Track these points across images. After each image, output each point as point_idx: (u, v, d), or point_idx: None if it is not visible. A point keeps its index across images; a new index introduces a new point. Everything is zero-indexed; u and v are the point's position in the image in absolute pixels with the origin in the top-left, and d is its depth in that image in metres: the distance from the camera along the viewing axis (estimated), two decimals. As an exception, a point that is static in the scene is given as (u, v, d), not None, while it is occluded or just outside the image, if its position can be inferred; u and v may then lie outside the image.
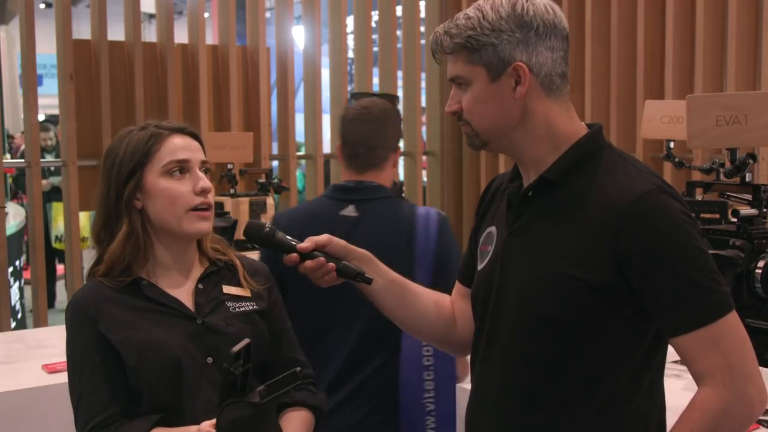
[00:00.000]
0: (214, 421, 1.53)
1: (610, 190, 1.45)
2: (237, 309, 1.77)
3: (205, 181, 1.73)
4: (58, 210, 7.17)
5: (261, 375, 1.75)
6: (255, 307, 1.80)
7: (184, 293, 1.76)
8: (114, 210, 1.73)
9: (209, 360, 1.70)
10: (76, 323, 1.71)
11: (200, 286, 1.77)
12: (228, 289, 1.79)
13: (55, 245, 7.48)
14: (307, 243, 1.65)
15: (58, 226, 7.16)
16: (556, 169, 1.51)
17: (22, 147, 9.77)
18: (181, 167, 1.72)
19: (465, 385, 2.56)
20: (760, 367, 1.46)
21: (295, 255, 1.65)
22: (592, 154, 1.51)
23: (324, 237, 1.66)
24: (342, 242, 1.67)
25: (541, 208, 1.52)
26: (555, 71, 1.50)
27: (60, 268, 7.65)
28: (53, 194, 7.31)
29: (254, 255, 3.25)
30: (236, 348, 1.49)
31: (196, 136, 1.78)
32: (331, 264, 1.64)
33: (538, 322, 1.49)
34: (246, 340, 1.52)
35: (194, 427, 1.58)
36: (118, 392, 1.67)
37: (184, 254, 1.78)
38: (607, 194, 1.45)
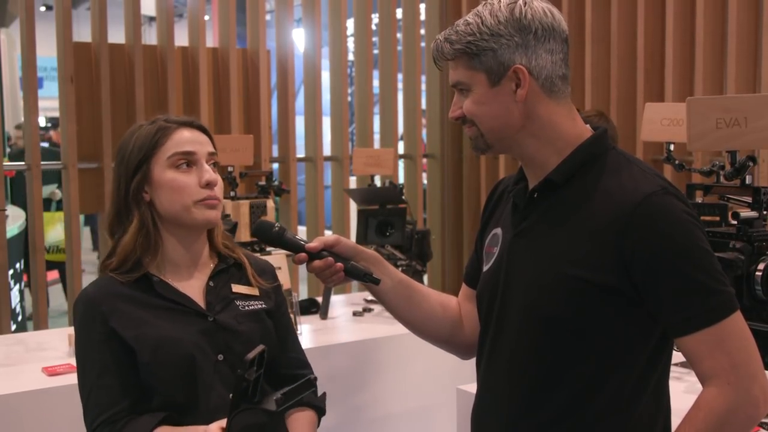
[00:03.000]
0: (222, 423, 1.54)
1: (615, 192, 1.46)
2: (246, 307, 1.79)
3: (210, 174, 1.74)
4: (48, 219, 7.09)
5: (266, 374, 1.77)
6: (263, 306, 1.82)
7: (194, 290, 1.77)
8: (124, 203, 1.75)
9: (220, 357, 1.72)
10: (87, 319, 1.72)
11: (211, 283, 1.79)
12: (237, 288, 1.81)
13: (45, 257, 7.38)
14: (316, 243, 1.67)
15: (48, 236, 7.05)
16: (561, 170, 1.51)
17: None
18: (188, 160, 1.73)
19: (467, 388, 2.56)
20: (762, 369, 1.46)
21: (304, 254, 1.67)
22: (597, 155, 1.52)
23: (332, 237, 1.68)
24: (350, 242, 1.69)
25: (546, 209, 1.53)
26: (555, 73, 1.51)
27: (50, 274, 7.59)
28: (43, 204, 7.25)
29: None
30: (251, 355, 1.49)
31: (204, 130, 1.80)
32: (340, 264, 1.66)
33: (543, 323, 1.50)
34: (261, 347, 1.53)
35: (201, 428, 1.60)
36: (128, 389, 1.68)
37: (193, 248, 1.79)
38: (612, 195, 1.46)
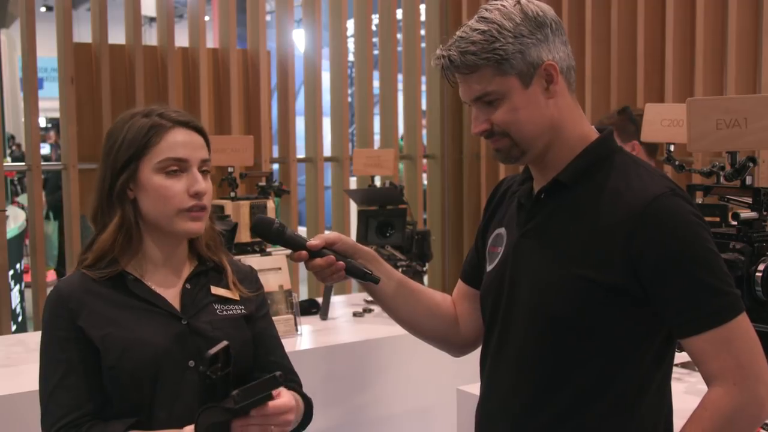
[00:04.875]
0: (192, 427, 1.48)
1: (624, 193, 1.47)
2: (224, 312, 1.71)
3: (200, 184, 1.65)
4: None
5: (245, 383, 1.71)
6: (243, 311, 1.73)
7: (170, 292, 1.69)
8: (107, 197, 1.65)
9: (191, 364, 1.63)
10: (55, 315, 1.62)
11: (188, 285, 1.70)
12: (216, 291, 1.72)
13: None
14: (317, 240, 1.65)
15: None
16: (569, 171, 1.52)
17: None
18: (179, 166, 1.64)
19: (467, 389, 2.56)
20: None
21: (304, 252, 1.65)
22: (605, 157, 1.53)
23: (333, 234, 1.67)
24: (350, 240, 1.68)
25: (553, 210, 1.54)
26: (570, 65, 1.54)
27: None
28: None
29: (254, 259, 3.26)
30: (212, 351, 1.45)
31: (201, 131, 1.70)
32: (341, 262, 1.64)
33: (551, 323, 1.50)
34: (224, 343, 1.48)
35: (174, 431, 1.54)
36: (94, 392, 1.59)
37: (174, 251, 1.70)
38: (621, 196, 1.46)
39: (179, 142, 1.64)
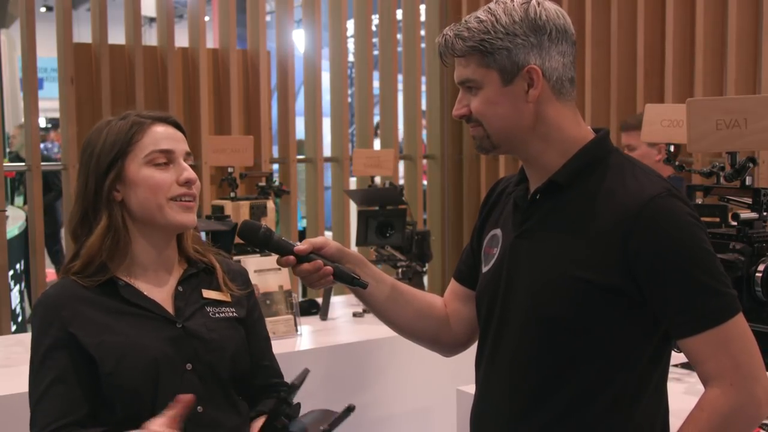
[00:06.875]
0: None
1: (620, 194, 1.46)
2: (217, 314, 1.70)
3: (189, 172, 1.66)
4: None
5: (241, 384, 1.70)
6: (235, 314, 1.73)
7: (162, 295, 1.68)
8: (92, 203, 1.64)
9: (188, 367, 1.63)
10: (46, 322, 1.61)
11: (180, 288, 1.69)
12: (208, 294, 1.72)
13: None
14: (305, 245, 1.65)
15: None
16: (565, 172, 1.52)
17: None
18: (166, 158, 1.65)
19: (467, 389, 2.56)
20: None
21: (291, 257, 1.64)
22: (601, 158, 1.53)
23: (320, 239, 1.67)
24: (336, 245, 1.68)
25: (549, 211, 1.54)
26: (565, 76, 1.52)
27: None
28: None
29: (253, 259, 3.26)
30: (297, 380, 1.48)
31: (178, 126, 1.71)
32: (329, 267, 1.63)
33: (547, 324, 1.50)
34: (306, 371, 1.51)
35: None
36: (82, 400, 1.58)
37: (164, 251, 1.69)
38: (617, 197, 1.46)
39: (162, 134, 1.66)
